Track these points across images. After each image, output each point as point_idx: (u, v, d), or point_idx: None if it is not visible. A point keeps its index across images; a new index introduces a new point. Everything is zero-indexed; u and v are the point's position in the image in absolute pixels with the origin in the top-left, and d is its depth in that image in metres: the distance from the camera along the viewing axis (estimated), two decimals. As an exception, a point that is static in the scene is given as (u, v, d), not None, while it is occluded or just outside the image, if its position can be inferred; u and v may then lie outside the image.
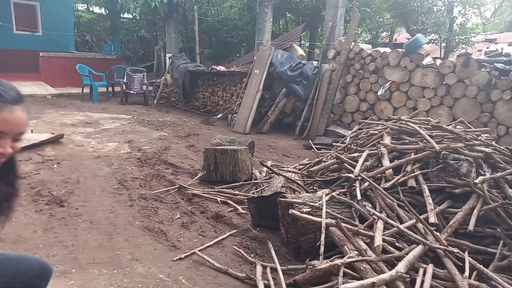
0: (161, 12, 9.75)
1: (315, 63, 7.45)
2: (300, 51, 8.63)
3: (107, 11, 13.36)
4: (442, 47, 12.50)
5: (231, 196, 3.62)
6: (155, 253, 2.60)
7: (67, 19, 12.33)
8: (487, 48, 14.15)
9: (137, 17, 13.28)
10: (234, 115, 7.48)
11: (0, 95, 1.02)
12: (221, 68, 8.68)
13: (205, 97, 8.98)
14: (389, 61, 6.15)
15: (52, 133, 5.01)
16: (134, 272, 2.36)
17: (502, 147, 3.10)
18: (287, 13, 13.06)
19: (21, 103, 1.09)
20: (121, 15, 13.35)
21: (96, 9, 15.38)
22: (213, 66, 8.90)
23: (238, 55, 13.95)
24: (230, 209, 3.38)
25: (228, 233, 2.92)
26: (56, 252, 2.52)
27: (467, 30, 12.87)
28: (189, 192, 3.65)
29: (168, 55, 10.26)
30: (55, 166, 4.06)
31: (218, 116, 7.81)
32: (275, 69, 7.23)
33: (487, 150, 2.94)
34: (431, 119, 3.75)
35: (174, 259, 2.52)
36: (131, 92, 9.28)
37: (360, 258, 2.21)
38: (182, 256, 2.55)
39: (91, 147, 4.82)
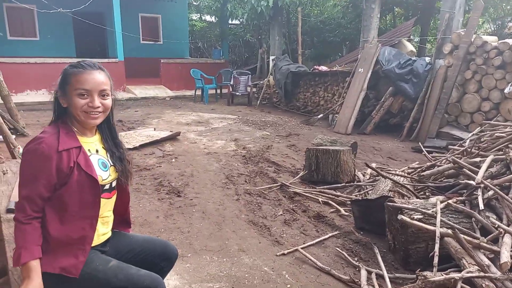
0: (266, 16, 10.11)
1: (427, 59, 6.87)
2: (410, 47, 8.04)
3: (217, 19, 14.38)
4: None
5: (333, 197, 3.58)
6: (260, 246, 2.72)
7: (183, 29, 13.65)
8: None
9: (244, 23, 13.98)
10: (336, 115, 7.34)
11: (80, 64, 1.39)
12: (323, 68, 8.61)
13: (306, 97, 9.02)
14: (521, 54, 5.33)
15: (170, 131, 5.63)
16: (241, 262, 2.51)
17: None
18: (395, 7, 12.29)
19: (99, 69, 1.40)
20: (229, 22, 14.23)
21: (207, 18, 16.70)
22: (315, 66, 8.89)
23: (340, 54, 13.64)
24: (331, 210, 3.35)
25: (330, 234, 2.90)
26: (175, 237, 2.83)
27: None
28: (291, 190, 3.72)
29: (271, 57, 10.58)
30: (173, 160, 4.55)
31: (319, 116, 7.77)
32: (381, 67, 6.88)
33: None
34: None
35: (278, 254, 2.61)
36: (237, 93, 9.84)
37: (482, 274, 1.98)
38: (285, 252, 2.62)
39: (203, 144, 5.27)
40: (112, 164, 1.49)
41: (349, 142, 4.92)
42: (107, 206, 1.49)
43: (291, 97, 9.32)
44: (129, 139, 5.23)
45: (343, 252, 2.61)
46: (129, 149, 4.83)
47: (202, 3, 14.70)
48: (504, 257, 2.01)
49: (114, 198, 1.54)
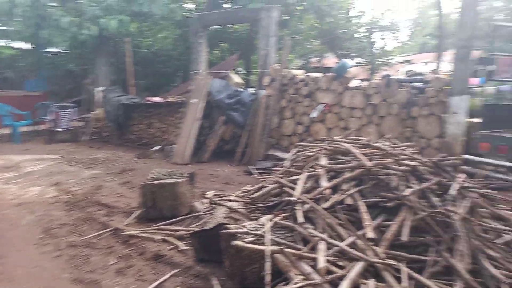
0: (90, 45, 9.38)
1: (251, 90, 7.60)
2: (237, 79, 8.77)
3: (32, 46, 12.54)
4: (367, 70, 13.53)
5: (172, 232, 3.44)
6: (87, 307, 2.34)
7: (-17, 56, 11.35)
8: (404, 68, 15.61)
9: (64, 51, 12.65)
10: (172, 146, 7.28)
11: None
12: (156, 99, 8.50)
13: (140, 129, 8.68)
14: (321, 85, 6.47)
15: (-37, 182, 4.45)
16: (61, 334, 2.09)
17: (425, 160, 3.33)
18: (221, 42, 13.32)
19: None
20: (47, 50, 12.60)
21: (19, 44, 14.36)
22: (147, 98, 8.68)
23: (175, 84, 13.80)
24: (171, 246, 3.20)
25: (169, 274, 2.74)
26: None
27: (386, 53, 14.15)
28: (125, 233, 3.40)
29: (99, 89, 9.83)
30: (-34, 219, 3.57)
31: (155, 148, 7.56)
32: (212, 98, 7.24)
33: (412, 163, 3.13)
34: (362, 138, 3.95)
35: (109, 311, 2.29)
36: (59, 129, 8.67)
37: (306, 282, 2.18)
38: (118, 307, 2.33)
39: (11, 194, 4.34)
40: None
41: (187, 172, 4.90)
42: None
43: (124, 130, 8.80)
44: None
45: (183, 291, 2.49)
46: None
47: (12, 28, 12.58)
48: (321, 263, 2.27)
49: None
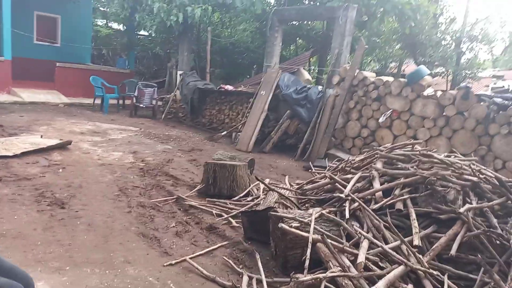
0: (175, 31, 10.13)
1: (320, 87, 7.64)
2: (307, 76, 8.86)
3: (124, 28, 13.88)
4: (448, 80, 12.67)
5: (227, 209, 3.73)
6: (147, 258, 2.70)
7: (86, 33, 12.83)
8: (494, 84, 14.29)
9: (153, 35, 13.76)
10: (238, 133, 7.65)
11: None
12: (229, 87, 8.94)
13: (211, 114, 9.21)
14: (391, 90, 6.31)
15: (60, 140, 5.21)
16: (125, 274, 2.46)
17: (491, 177, 3.17)
18: (298, 38, 13.43)
19: None
20: (138, 32, 13.85)
21: (115, 25, 15.97)
22: (221, 85, 9.17)
23: (248, 76, 14.26)
24: (224, 221, 3.48)
25: (219, 244, 3.02)
26: (53, 250, 2.64)
27: (474, 65, 13.07)
28: (187, 203, 3.77)
29: (179, 72, 10.59)
30: (60, 170, 4.22)
31: (223, 133, 7.99)
32: (281, 91, 7.44)
33: (474, 179, 3.03)
34: (424, 148, 3.85)
35: (165, 264, 2.62)
36: (141, 105, 9.56)
37: (343, 273, 2.29)
38: (173, 262, 2.65)
39: (97, 155, 4.99)
40: None
41: (247, 158, 5.18)
42: None
43: (197, 113, 9.42)
44: (10, 146, 4.70)
45: (230, 261, 2.75)
46: (8, 156, 4.34)
47: (109, 10, 14.05)
48: (360, 258, 2.36)
49: None
